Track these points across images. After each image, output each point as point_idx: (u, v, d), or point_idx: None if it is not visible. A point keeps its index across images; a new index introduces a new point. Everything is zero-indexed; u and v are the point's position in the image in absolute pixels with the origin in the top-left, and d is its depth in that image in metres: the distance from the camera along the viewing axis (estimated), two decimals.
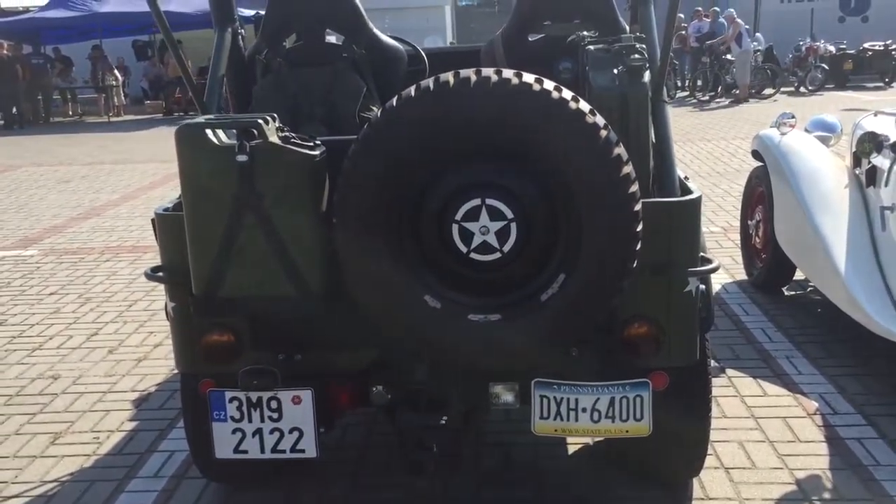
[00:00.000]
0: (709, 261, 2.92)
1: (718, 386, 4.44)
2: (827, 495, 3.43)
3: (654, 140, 3.13)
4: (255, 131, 2.59)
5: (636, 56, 3.01)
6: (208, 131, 2.61)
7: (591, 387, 2.82)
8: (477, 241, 2.58)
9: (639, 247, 2.61)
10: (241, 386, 2.84)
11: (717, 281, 6.18)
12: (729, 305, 5.70)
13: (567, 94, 2.50)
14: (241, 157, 2.57)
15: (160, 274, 2.94)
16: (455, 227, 2.58)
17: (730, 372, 4.63)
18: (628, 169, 2.54)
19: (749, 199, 6.23)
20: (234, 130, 2.62)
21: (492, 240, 2.57)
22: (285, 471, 3.61)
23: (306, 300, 2.71)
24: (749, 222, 6.19)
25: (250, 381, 2.82)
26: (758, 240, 6.03)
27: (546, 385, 2.85)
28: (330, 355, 2.96)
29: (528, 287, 2.67)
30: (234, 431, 2.90)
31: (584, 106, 2.50)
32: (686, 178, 4.17)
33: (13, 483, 3.82)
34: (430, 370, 2.90)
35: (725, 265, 6.53)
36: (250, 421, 2.89)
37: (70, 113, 24.25)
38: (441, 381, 2.94)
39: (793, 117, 5.76)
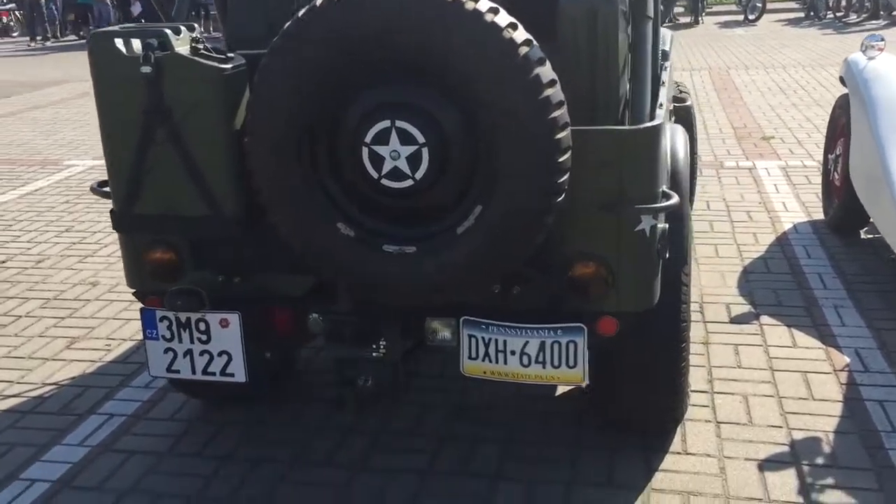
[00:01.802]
0: (668, 196, 2.62)
1: (745, 333, 4.11)
2: (819, 460, 3.11)
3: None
4: (161, 41, 2.46)
5: None
6: (118, 41, 2.51)
7: (521, 328, 2.61)
8: (388, 166, 2.39)
9: (564, 179, 2.36)
10: (166, 306, 2.79)
11: (790, 219, 5.72)
12: (791, 246, 5.25)
13: (483, 3, 2.24)
14: (146, 69, 2.46)
15: (105, 189, 2.90)
16: (365, 151, 2.40)
17: (764, 319, 4.26)
18: (551, 92, 2.28)
19: (833, 131, 5.66)
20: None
21: (403, 166, 2.38)
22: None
23: (221, 222, 2.60)
24: (829, 156, 5.65)
25: (175, 302, 2.76)
26: (836, 176, 5.49)
27: (474, 324, 2.66)
28: (268, 280, 2.87)
29: (443, 218, 2.48)
30: (165, 351, 2.87)
31: (502, 19, 2.25)
32: (686, 105, 3.82)
33: (17, 383, 3.98)
34: (357, 302, 2.76)
35: (808, 202, 6.03)
36: (180, 341, 2.84)
37: None
38: (374, 313, 2.79)
39: (882, 40, 5.15)
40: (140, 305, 2.98)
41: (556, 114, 2.29)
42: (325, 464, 3.22)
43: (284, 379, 3.73)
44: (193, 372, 2.87)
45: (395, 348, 2.84)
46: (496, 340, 2.64)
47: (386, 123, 2.36)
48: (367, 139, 2.39)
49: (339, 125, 2.45)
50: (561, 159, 2.32)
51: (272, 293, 2.88)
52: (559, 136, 2.30)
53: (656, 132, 2.56)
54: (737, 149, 7.80)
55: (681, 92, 5.23)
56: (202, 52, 2.51)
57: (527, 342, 2.62)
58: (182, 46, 2.52)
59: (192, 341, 2.83)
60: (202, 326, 2.81)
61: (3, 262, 5.70)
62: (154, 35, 2.47)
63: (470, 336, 2.67)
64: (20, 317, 4.76)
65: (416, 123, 2.35)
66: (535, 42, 2.30)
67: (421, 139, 2.35)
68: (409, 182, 2.40)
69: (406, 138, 2.36)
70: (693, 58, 14.28)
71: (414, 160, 2.37)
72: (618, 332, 2.73)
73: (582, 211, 2.57)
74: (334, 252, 2.52)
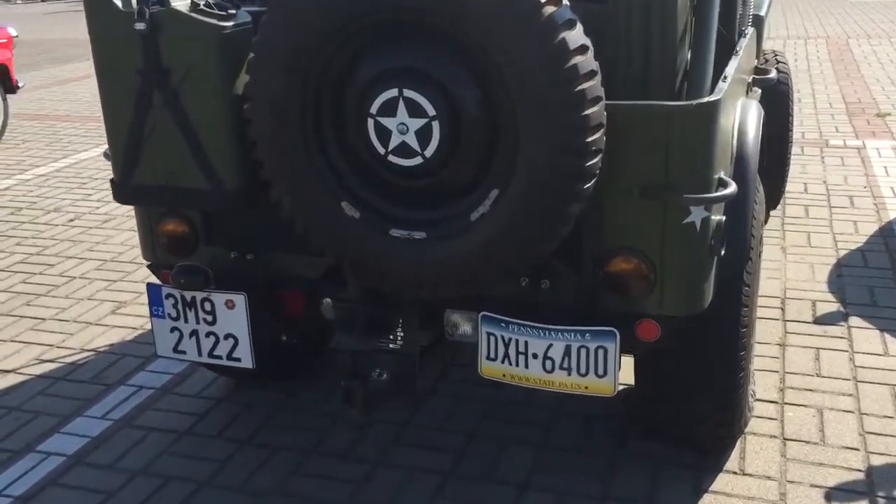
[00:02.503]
0: (725, 184, 2.26)
1: (829, 336, 3.68)
2: None
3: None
4: None
5: None
6: None
7: (544, 329, 2.31)
8: (395, 141, 2.12)
9: (594, 162, 2.04)
10: (171, 283, 2.60)
11: None
12: None
13: None
14: (140, 25, 2.24)
15: None
16: (371, 123, 2.13)
17: (853, 321, 3.82)
18: (580, 59, 1.96)
19: None
20: None
21: (412, 140, 2.10)
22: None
23: (222, 196, 2.38)
24: None
25: (178, 279, 2.57)
26: None
27: (493, 321, 2.37)
28: (283, 259, 2.64)
29: (456, 202, 2.19)
30: (171, 330, 2.69)
31: None
32: (768, 77, 3.36)
33: (56, 347, 3.90)
34: (368, 289, 2.50)
35: None
36: (186, 321, 2.65)
37: None
38: (387, 302, 2.53)
39: None
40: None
41: (584, 85, 1.96)
42: (343, 456, 3.00)
43: (311, 362, 3.52)
44: (200, 354, 2.68)
45: (413, 340, 2.58)
46: (517, 341, 2.34)
47: (393, 92, 2.08)
48: (373, 110, 2.11)
49: (344, 93, 2.18)
50: (590, 139, 2.00)
51: (285, 274, 2.65)
52: (588, 111, 1.98)
53: (712, 109, 2.19)
54: (846, 126, 7.19)
55: (777, 62, 4.74)
56: (202, 7, 2.27)
57: (551, 345, 2.31)
58: (181, 1, 2.29)
59: (197, 322, 2.64)
60: (207, 307, 2.61)
61: (72, 220, 5.69)
62: None
63: (489, 334, 2.38)
64: (74, 278, 4.71)
65: (427, 93, 2.06)
66: (565, 2, 1.98)
67: (431, 111, 2.07)
68: (419, 160, 2.12)
69: (415, 110, 2.08)
70: (810, 25, 13.39)
71: (423, 135, 2.09)
72: (660, 337, 2.40)
73: (621, 198, 2.24)
74: (338, 233, 2.27)
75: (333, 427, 3.16)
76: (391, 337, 2.61)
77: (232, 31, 2.27)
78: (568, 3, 2.00)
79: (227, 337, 2.63)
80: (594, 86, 1.99)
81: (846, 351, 3.57)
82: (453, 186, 2.18)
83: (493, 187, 2.12)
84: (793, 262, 4.47)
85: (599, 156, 2.05)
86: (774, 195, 4.90)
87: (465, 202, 2.17)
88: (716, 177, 2.26)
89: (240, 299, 2.57)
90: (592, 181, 2.07)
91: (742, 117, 2.67)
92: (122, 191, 2.47)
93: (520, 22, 1.93)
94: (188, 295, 2.62)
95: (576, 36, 1.96)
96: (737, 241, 2.48)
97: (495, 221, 2.12)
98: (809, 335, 3.71)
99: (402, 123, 2.09)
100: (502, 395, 3.30)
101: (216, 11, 2.27)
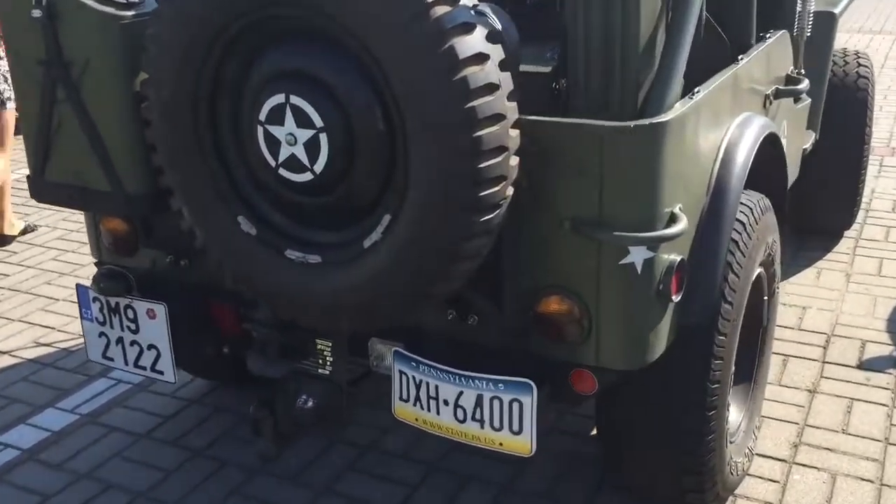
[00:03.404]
0: (676, 220, 1.92)
1: (869, 385, 3.23)
2: None
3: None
4: None
5: None
6: None
7: (455, 375, 2.03)
8: (284, 152, 1.88)
9: (494, 192, 1.75)
10: (92, 286, 2.45)
11: None
12: None
13: None
14: (36, 12, 2.08)
15: None
16: (261, 131, 1.90)
17: None
18: (473, 71, 1.66)
19: None
20: None
21: (301, 153, 1.86)
22: None
23: (124, 201, 2.20)
24: None
25: (97, 284, 2.42)
26: None
27: (405, 359, 2.10)
28: (215, 269, 2.45)
29: (350, 226, 1.93)
30: (99, 335, 2.55)
31: None
32: (797, 88, 2.90)
33: (57, 331, 3.86)
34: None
35: None
36: (112, 327, 2.51)
37: None
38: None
39: None
40: None
41: (478, 101, 1.67)
42: (292, 480, 2.80)
43: None
44: (126, 363, 2.53)
45: (342, 368, 2.34)
46: (427, 384, 2.07)
47: (280, 98, 1.84)
48: (262, 117, 1.88)
49: (233, 94, 1.96)
50: (485, 164, 1.70)
51: (217, 286, 2.45)
52: (482, 132, 1.68)
53: (657, 132, 1.85)
54: None
55: (859, 65, 4.20)
56: None
57: (461, 392, 2.03)
58: None
59: (122, 329, 2.49)
60: (130, 314, 2.45)
61: None
62: None
63: (401, 373, 2.12)
64: None
65: (314, 102, 1.81)
66: (463, 2, 1.68)
67: (319, 122, 1.82)
68: (309, 175, 1.87)
69: (303, 119, 1.83)
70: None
71: (312, 148, 1.84)
72: (598, 391, 2.08)
73: (551, 231, 1.94)
74: (234, 250, 2.05)
75: (294, 445, 2.97)
76: (320, 362, 2.38)
77: (132, 22, 2.07)
78: (471, 4, 1.70)
79: (150, 347, 2.47)
80: (492, 102, 1.69)
81: (886, 405, 3.11)
82: (347, 208, 1.92)
83: (385, 212, 1.86)
84: (854, 292, 3.98)
85: (502, 184, 1.75)
86: (845, 214, 4.39)
87: (360, 227, 1.92)
88: (666, 210, 1.92)
89: (160, 309, 2.40)
90: (494, 213, 1.77)
91: (734, 138, 2.29)
92: (36, 187, 2.33)
93: (405, 26, 1.66)
94: (112, 300, 2.46)
95: (471, 43, 1.67)
96: (704, 285, 2.13)
97: (387, 251, 1.85)
98: (847, 382, 3.26)
99: (291, 134, 1.85)
100: None
101: (116, 0, 2.08)
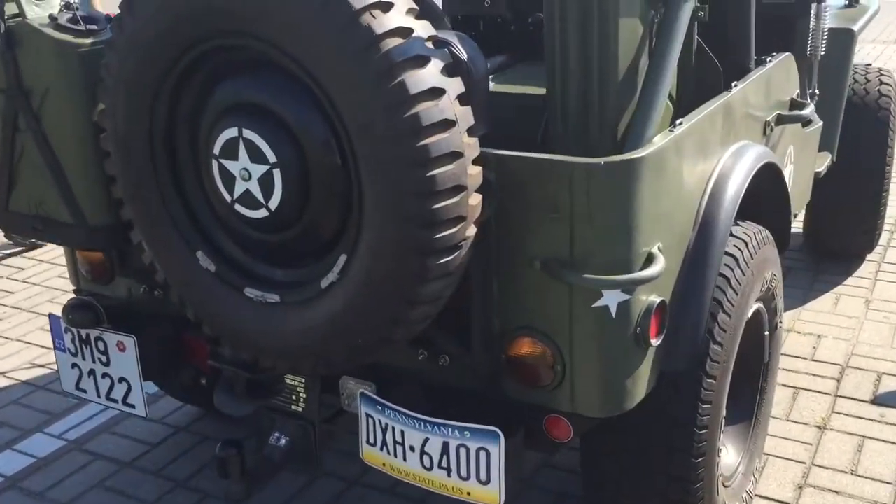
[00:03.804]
0: (653, 261, 1.81)
1: (883, 422, 3.08)
2: None
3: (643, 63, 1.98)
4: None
5: None
6: None
7: (420, 421, 1.93)
8: (240, 188, 1.80)
9: (451, 233, 1.65)
10: (62, 317, 2.39)
11: None
12: None
13: None
14: None
15: None
16: (216, 165, 1.82)
17: None
18: (426, 107, 1.57)
19: None
20: None
21: (255, 189, 1.78)
22: None
23: (85, 233, 2.14)
24: None
25: (66, 315, 2.35)
26: None
27: (371, 402, 2.01)
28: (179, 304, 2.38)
29: (309, 265, 1.85)
30: (72, 366, 2.48)
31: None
32: (801, 114, 2.76)
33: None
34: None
35: None
36: (84, 358, 2.45)
37: None
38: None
39: None
40: None
41: (431, 139, 1.57)
42: None
43: None
44: (98, 395, 2.46)
45: (314, 406, 2.25)
46: (393, 428, 1.98)
47: (233, 132, 1.76)
48: (216, 150, 1.80)
49: (195, 127, 1.88)
50: (439, 205, 1.61)
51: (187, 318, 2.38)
52: (435, 171, 1.59)
53: (632, 168, 1.74)
54: None
55: (881, 82, 4.04)
56: (60, 23, 2.02)
57: (427, 439, 1.93)
58: (46, 13, 2.05)
59: (93, 361, 2.42)
60: (101, 346, 2.39)
61: None
62: None
63: (367, 416, 2.03)
64: None
65: (266, 136, 1.73)
66: (418, 34, 1.59)
67: (272, 157, 1.73)
68: (264, 212, 1.79)
69: (256, 154, 1.75)
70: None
71: (266, 184, 1.76)
72: (573, 438, 1.97)
73: (521, 271, 1.84)
74: (193, 287, 1.98)
75: (279, 478, 2.89)
76: (293, 398, 2.29)
77: (91, 50, 2.01)
78: (425, 36, 1.61)
79: (120, 380, 2.40)
80: (447, 139, 1.59)
81: None
82: (305, 247, 1.84)
83: (342, 252, 1.77)
84: (873, 320, 3.81)
85: (460, 225, 1.65)
86: (866, 237, 4.22)
87: (318, 266, 1.83)
88: (643, 251, 1.81)
89: (129, 342, 2.33)
90: (453, 256, 1.68)
91: (725, 169, 2.17)
92: (2, 217, 2.28)
93: (354, 59, 1.57)
94: (83, 332, 2.40)
95: (424, 77, 1.57)
96: (689, 326, 2.01)
97: (343, 292, 1.76)
98: (859, 418, 3.11)
99: (245, 168, 1.77)
100: None
101: (75, 27, 2.01)
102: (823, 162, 3.57)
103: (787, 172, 2.87)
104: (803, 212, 4.33)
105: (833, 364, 3.47)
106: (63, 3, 2.06)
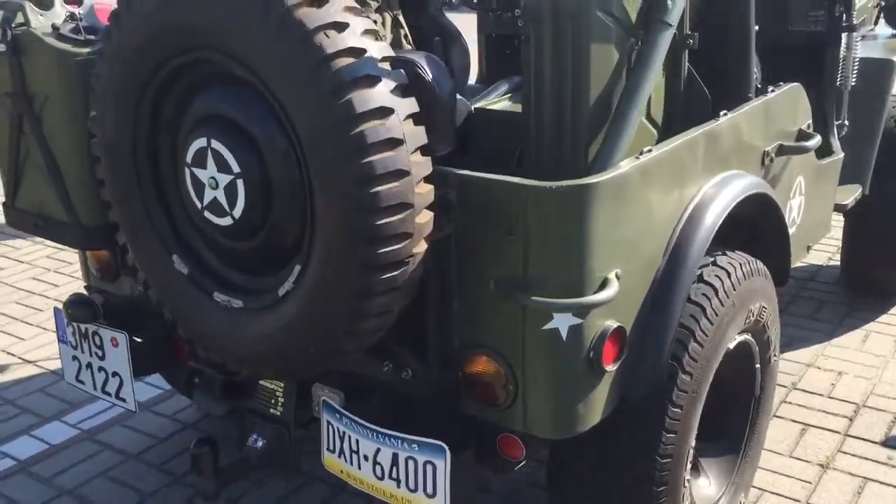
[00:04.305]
0: (608, 286, 1.82)
1: (891, 465, 2.99)
2: None
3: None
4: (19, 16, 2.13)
5: None
6: None
7: (372, 431, 1.97)
8: (208, 195, 1.88)
9: (394, 249, 1.70)
10: (63, 312, 2.51)
11: None
12: None
13: None
14: (0, 47, 2.14)
15: None
16: (188, 173, 1.90)
17: None
18: (372, 126, 1.62)
19: None
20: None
21: (221, 197, 1.86)
22: None
23: (79, 232, 2.25)
24: None
25: (67, 310, 2.47)
26: None
27: (331, 410, 2.06)
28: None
29: (269, 273, 1.91)
30: (73, 358, 2.60)
31: (313, 18, 1.62)
32: (802, 144, 2.70)
33: None
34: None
35: None
36: (82, 352, 2.55)
37: None
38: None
39: None
40: None
41: (376, 157, 1.62)
42: None
43: None
44: (95, 387, 2.57)
45: (290, 410, 2.31)
46: (349, 437, 2.02)
47: (203, 142, 1.84)
48: (188, 159, 1.89)
49: (174, 136, 1.97)
50: (383, 221, 1.65)
51: None
52: (380, 188, 1.63)
53: (585, 194, 1.76)
54: None
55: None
56: (62, 32, 2.13)
57: (379, 449, 1.97)
58: (51, 22, 2.17)
59: (90, 354, 2.53)
60: (97, 341, 2.49)
61: None
62: (14, 8, 2.14)
63: (328, 423, 2.08)
64: None
65: (232, 147, 1.80)
66: (369, 52, 1.64)
67: (236, 168, 1.80)
68: (229, 219, 1.86)
69: (222, 164, 1.82)
70: None
71: (231, 193, 1.83)
72: (526, 456, 1.99)
73: (477, 289, 1.87)
74: (168, 289, 2.06)
75: (272, 477, 2.96)
76: (272, 402, 2.36)
77: (88, 59, 2.11)
78: (379, 56, 1.66)
79: (114, 374, 2.50)
80: (393, 157, 1.63)
81: None
82: (267, 255, 1.90)
83: (297, 263, 1.82)
84: None
85: (406, 242, 1.69)
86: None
87: (277, 274, 1.89)
88: (598, 276, 1.82)
89: (122, 338, 2.43)
90: (400, 271, 1.72)
91: (705, 198, 2.16)
92: (9, 214, 2.41)
93: (307, 76, 1.63)
94: (82, 326, 2.51)
95: (372, 96, 1.62)
96: (651, 354, 2.00)
97: (297, 301, 1.82)
98: (865, 459, 3.02)
99: (213, 177, 1.85)
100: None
101: (75, 37, 2.12)
102: (851, 195, 3.49)
103: (796, 204, 2.83)
104: (840, 245, 4.24)
105: (849, 402, 3.38)
106: (67, 14, 2.17)
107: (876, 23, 4.34)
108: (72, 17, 2.17)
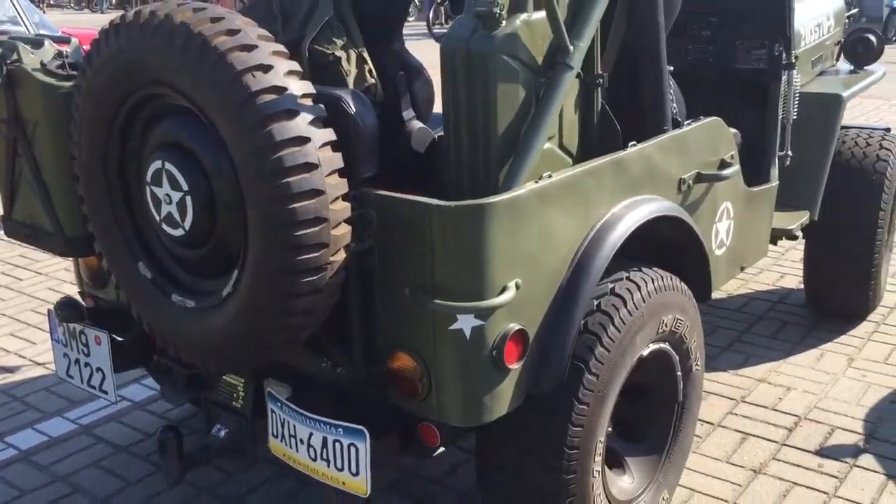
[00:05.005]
0: (503, 292, 2.09)
1: (818, 471, 3.21)
2: None
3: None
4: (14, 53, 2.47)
5: None
6: None
7: (305, 417, 2.25)
8: (164, 210, 2.19)
9: (311, 257, 1.99)
10: (53, 313, 2.83)
11: None
12: None
13: (226, 40, 1.94)
14: None
15: None
16: (148, 190, 2.22)
17: (863, 460, 3.27)
18: (289, 151, 1.92)
19: None
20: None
21: (175, 212, 2.16)
22: None
23: (64, 242, 2.57)
24: None
25: (56, 311, 2.78)
26: None
27: (274, 399, 2.35)
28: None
29: (215, 276, 2.22)
30: (64, 355, 2.91)
31: (243, 60, 1.94)
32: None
33: None
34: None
35: None
36: (71, 349, 2.86)
37: None
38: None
39: None
40: None
41: (292, 178, 1.92)
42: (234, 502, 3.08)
43: None
44: (82, 381, 2.87)
45: (248, 402, 2.60)
46: (288, 422, 2.31)
47: (158, 164, 2.15)
48: (148, 178, 2.19)
49: (132, 158, 2.29)
50: (300, 233, 1.94)
51: None
52: (297, 205, 1.92)
53: (480, 212, 2.03)
54: None
55: (881, 147, 4.13)
56: (49, 67, 2.46)
57: (311, 433, 2.25)
58: (40, 59, 2.50)
59: (78, 352, 2.84)
60: (84, 339, 2.80)
61: None
62: (10, 47, 2.47)
63: (272, 411, 2.36)
64: None
65: (181, 168, 2.11)
66: (289, 90, 1.94)
67: (185, 186, 2.11)
68: (181, 231, 2.17)
69: (174, 183, 2.13)
70: None
71: (181, 208, 2.14)
72: (442, 443, 2.26)
73: (395, 294, 2.16)
74: (135, 291, 2.37)
75: (239, 470, 3.24)
76: (234, 395, 2.65)
77: (70, 91, 2.44)
78: (298, 93, 1.95)
79: (97, 370, 2.80)
80: (309, 179, 1.93)
81: (825, 493, 3.07)
82: (213, 261, 2.20)
83: (236, 268, 2.12)
84: (850, 377, 3.90)
85: (322, 251, 1.98)
86: (859, 298, 4.29)
87: (222, 279, 2.19)
88: (497, 283, 2.09)
89: (104, 337, 2.74)
90: (318, 276, 2.00)
91: (611, 220, 2.41)
92: (6, 225, 2.74)
93: (237, 110, 1.93)
94: (71, 326, 2.82)
95: (290, 127, 1.92)
96: (555, 355, 2.26)
97: (235, 301, 2.11)
98: (797, 466, 3.24)
99: (167, 194, 2.15)
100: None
101: (60, 72, 2.45)
102: (797, 221, 3.72)
103: (723, 227, 3.08)
104: (802, 270, 4.45)
105: (792, 415, 3.59)
106: (56, 52, 2.51)
107: (837, 59, 4.58)
108: (59, 54, 2.51)
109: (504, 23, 2.20)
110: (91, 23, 16.61)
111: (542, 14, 2.27)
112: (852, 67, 4.33)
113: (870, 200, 4.06)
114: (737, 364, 4.04)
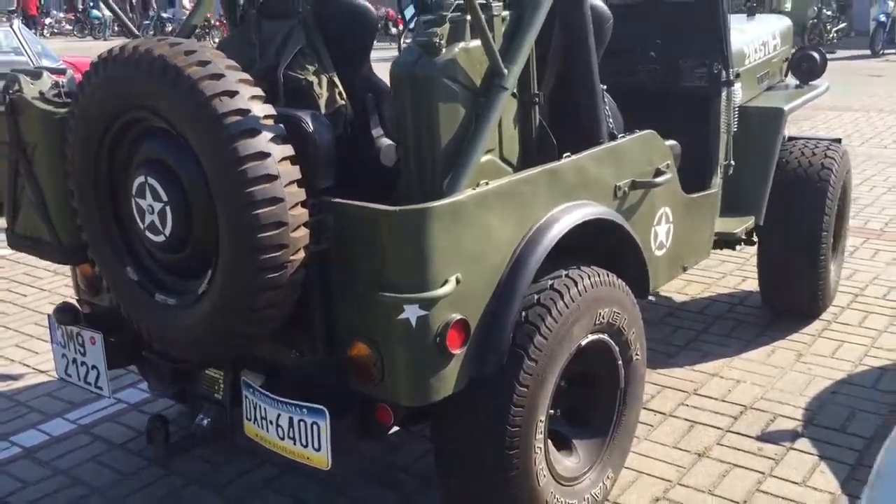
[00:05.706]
0: (444, 286, 2.38)
1: (758, 455, 3.48)
2: None
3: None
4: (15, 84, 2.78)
5: (435, 30, 2.49)
6: None
7: (273, 400, 2.55)
8: (148, 219, 2.50)
9: (274, 256, 2.29)
10: (52, 317, 3.12)
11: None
12: None
13: (196, 70, 2.24)
14: (1, 107, 2.79)
15: None
16: (134, 202, 2.52)
17: (800, 443, 3.55)
18: (253, 165, 2.23)
19: None
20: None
21: (157, 220, 2.47)
22: None
23: (61, 251, 2.87)
24: None
25: (55, 315, 3.08)
26: None
27: (247, 385, 2.64)
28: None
29: (192, 276, 2.51)
30: (62, 356, 3.20)
31: (212, 87, 2.24)
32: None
33: None
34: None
35: None
36: (69, 350, 3.16)
37: None
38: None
39: None
40: None
41: (256, 188, 2.22)
42: (217, 490, 3.36)
43: None
44: (79, 379, 3.17)
45: (227, 393, 2.89)
46: (259, 406, 2.60)
47: (142, 178, 2.45)
48: (133, 191, 2.50)
49: (119, 174, 2.59)
50: (263, 235, 2.24)
51: None
52: (260, 211, 2.23)
53: (421, 217, 2.33)
54: None
55: (826, 156, 4.42)
56: (47, 96, 2.77)
57: (279, 414, 2.54)
58: (39, 89, 2.81)
59: (75, 352, 3.13)
60: (80, 340, 3.09)
61: None
62: (12, 79, 2.79)
63: (245, 396, 2.66)
64: None
65: (161, 181, 2.41)
66: (252, 112, 2.25)
67: (164, 197, 2.41)
68: (163, 237, 2.47)
69: (155, 195, 2.43)
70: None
71: (162, 217, 2.44)
72: (394, 422, 2.54)
73: (352, 289, 2.45)
74: (123, 292, 2.67)
75: (221, 463, 3.52)
76: (216, 387, 2.94)
77: (64, 117, 2.75)
78: (260, 115, 2.26)
79: (92, 367, 3.10)
80: (269, 188, 2.23)
81: (762, 473, 3.35)
82: (191, 263, 2.50)
83: (210, 268, 2.42)
84: (797, 371, 4.18)
85: (283, 251, 2.28)
86: (810, 299, 4.57)
87: (199, 278, 2.48)
88: (438, 278, 2.38)
89: (98, 337, 3.03)
90: (280, 273, 2.30)
91: (547, 222, 2.71)
92: (10, 237, 3.04)
93: (207, 129, 2.24)
94: (68, 328, 3.12)
95: (253, 144, 2.22)
96: (494, 342, 2.55)
97: (209, 298, 2.41)
98: (737, 450, 3.51)
99: (150, 205, 2.46)
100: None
101: (57, 100, 2.77)
102: (741, 226, 4.02)
103: (662, 230, 3.37)
104: (756, 272, 4.74)
105: (738, 405, 3.86)
106: (53, 82, 2.82)
107: (785, 75, 4.89)
108: (56, 84, 2.82)
109: (444, 50, 2.51)
110: (94, 50, 17.07)
111: (479, 42, 2.58)
112: (798, 83, 4.64)
113: (815, 206, 4.35)
114: (693, 360, 4.32)
